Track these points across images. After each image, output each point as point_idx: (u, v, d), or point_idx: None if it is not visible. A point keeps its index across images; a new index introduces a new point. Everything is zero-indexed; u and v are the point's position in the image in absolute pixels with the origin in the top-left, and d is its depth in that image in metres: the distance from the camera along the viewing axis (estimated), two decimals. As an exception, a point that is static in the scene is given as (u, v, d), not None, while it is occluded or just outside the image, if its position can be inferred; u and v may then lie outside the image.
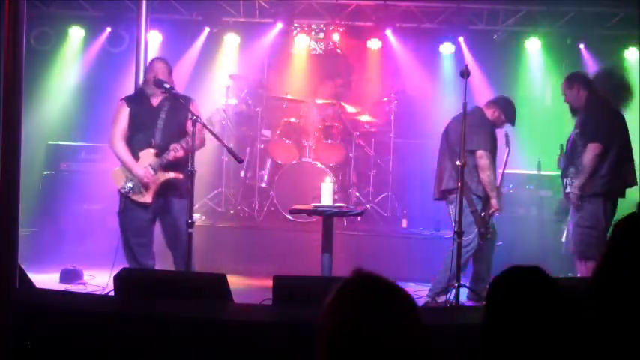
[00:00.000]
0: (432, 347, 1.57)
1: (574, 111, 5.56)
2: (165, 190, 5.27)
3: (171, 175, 5.24)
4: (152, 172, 5.22)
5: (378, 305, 1.53)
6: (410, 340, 1.52)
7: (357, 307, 1.53)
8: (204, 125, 5.09)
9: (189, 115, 4.99)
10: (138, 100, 5.41)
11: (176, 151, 5.15)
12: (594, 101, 5.45)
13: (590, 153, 5.27)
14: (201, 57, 8.86)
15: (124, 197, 5.29)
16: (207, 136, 5.25)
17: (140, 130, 5.31)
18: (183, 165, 5.17)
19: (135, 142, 5.30)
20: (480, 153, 5.57)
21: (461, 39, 8.64)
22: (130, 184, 5.25)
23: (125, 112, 5.34)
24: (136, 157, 5.26)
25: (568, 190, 5.45)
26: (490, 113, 5.82)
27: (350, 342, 1.50)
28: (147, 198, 5.26)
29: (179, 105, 5.20)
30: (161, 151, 5.24)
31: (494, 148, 5.74)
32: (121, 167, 5.34)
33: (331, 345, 1.52)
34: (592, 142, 5.29)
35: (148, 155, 5.25)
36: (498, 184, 5.75)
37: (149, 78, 5.32)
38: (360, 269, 1.62)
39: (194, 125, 4.93)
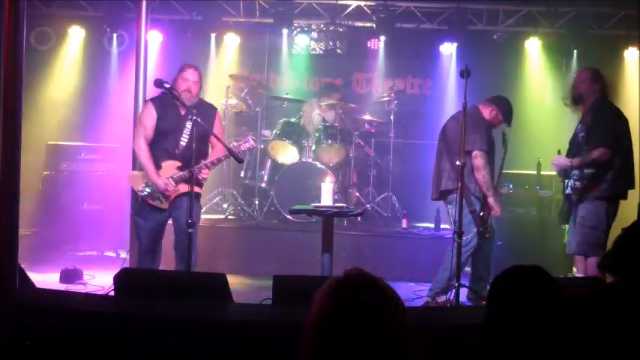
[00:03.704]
0: (432, 347, 1.57)
1: (577, 101, 5.48)
2: (181, 194, 5.22)
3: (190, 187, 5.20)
4: (173, 183, 5.17)
5: (352, 302, 1.55)
6: (386, 338, 1.53)
7: (334, 300, 1.57)
8: (208, 131, 5.09)
9: (213, 124, 5.02)
10: (165, 105, 5.26)
11: (200, 173, 5.09)
12: (604, 105, 5.41)
13: (597, 153, 5.24)
14: (201, 57, 8.87)
15: (140, 199, 5.26)
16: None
17: (165, 138, 5.23)
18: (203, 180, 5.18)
19: (158, 149, 5.24)
20: (475, 153, 5.56)
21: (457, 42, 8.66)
22: (148, 190, 5.20)
23: (152, 114, 5.24)
24: (158, 166, 5.21)
25: (569, 190, 5.44)
26: (487, 113, 5.81)
27: (323, 335, 1.53)
28: (164, 205, 5.24)
29: (205, 115, 5.13)
30: (184, 162, 5.15)
31: (491, 148, 5.73)
32: (139, 171, 5.31)
33: (309, 336, 1.54)
34: (599, 147, 5.25)
35: (170, 167, 5.20)
36: (496, 183, 5.74)
37: (161, 78, 5.19)
38: (354, 268, 1.63)
39: (194, 125, 4.93)
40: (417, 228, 7.92)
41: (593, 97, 5.39)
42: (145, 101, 5.43)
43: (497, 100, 5.92)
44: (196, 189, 5.14)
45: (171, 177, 5.18)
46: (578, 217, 5.37)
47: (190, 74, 5.28)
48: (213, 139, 5.17)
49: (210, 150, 5.36)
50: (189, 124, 5.13)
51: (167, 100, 5.25)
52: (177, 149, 5.22)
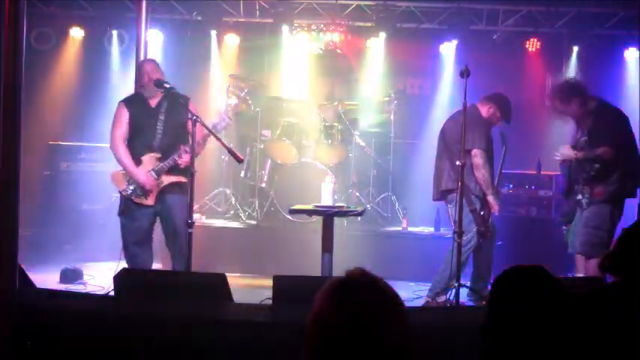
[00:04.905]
0: (432, 347, 1.57)
1: (579, 120, 5.45)
2: (167, 189, 5.26)
3: (173, 178, 5.22)
4: (155, 176, 5.19)
5: (353, 302, 1.55)
6: (387, 339, 1.53)
7: (334, 300, 1.56)
8: (204, 125, 5.09)
9: (189, 115, 4.95)
10: (136, 103, 5.38)
11: (180, 157, 5.12)
12: (602, 107, 5.40)
13: (601, 150, 5.23)
14: (201, 57, 8.87)
15: (125, 198, 5.27)
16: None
17: (140, 133, 5.28)
18: (186, 168, 5.16)
19: (136, 145, 5.27)
20: (474, 152, 5.56)
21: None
22: (132, 187, 5.22)
23: (125, 114, 5.30)
24: (138, 162, 5.22)
25: (580, 197, 5.40)
26: (485, 110, 5.81)
27: (323, 335, 1.53)
28: (149, 201, 5.24)
29: (177, 105, 5.18)
30: (163, 154, 5.21)
31: (489, 146, 5.73)
32: (122, 170, 5.32)
33: (309, 336, 1.54)
34: (603, 146, 5.23)
35: (150, 160, 5.22)
36: (495, 182, 5.73)
37: (145, 81, 5.29)
38: (356, 268, 1.63)
39: (194, 125, 4.92)
40: (417, 228, 7.91)
41: (583, 107, 5.36)
42: (118, 103, 5.45)
43: (495, 97, 5.91)
44: (180, 178, 5.18)
45: (153, 170, 5.21)
46: (582, 218, 5.36)
47: (147, 66, 5.43)
48: (189, 126, 5.08)
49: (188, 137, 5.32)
50: (162, 116, 5.26)
51: (137, 98, 5.42)
52: (154, 141, 5.25)
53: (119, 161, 5.29)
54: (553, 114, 5.61)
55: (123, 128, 5.28)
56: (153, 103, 5.32)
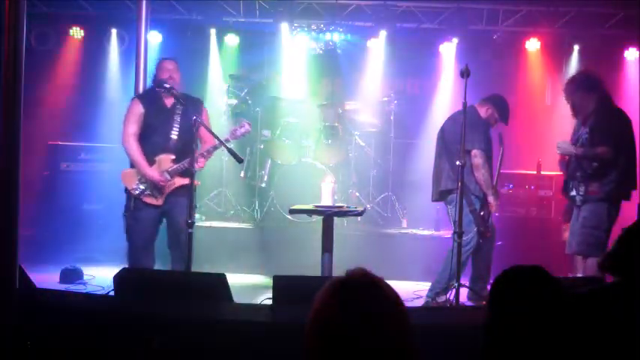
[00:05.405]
0: (432, 347, 1.56)
1: (583, 113, 5.46)
2: (176, 190, 5.24)
3: (186, 181, 5.16)
4: (168, 177, 5.18)
5: (353, 302, 1.55)
6: (387, 338, 1.53)
7: (334, 300, 1.56)
8: (204, 126, 5.09)
9: (201, 116, 4.96)
10: (151, 100, 5.32)
11: (196, 161, 5.05)
12: (606, 106, 5.39)
13: (600, 150, 5.22)
14: (201, 57, 8.87)
15: (134, 197, 5.23)
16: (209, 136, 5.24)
17: (155, 132, 5.24)
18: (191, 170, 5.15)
19: (150, 144, 5.24)
20: (474, 152, 5.56)
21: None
22: (142, 186, 5.20)
23: (139, 110, 5.25)
24: (152, 161, 5.21)
25: (573, 193, 5.41)
26: (483, 111, 5.81)
27: (324, 334, 1.53)
28: (159, 201, 5.23)
29: (191, 107, 5.16)
30: (178, 155, 5.19)
31: (489, 147, 5.73)
32: (133, 168, 5.29)
33: (310, 336, 1.54)
34: (603, 146, 5.23)
35: (165, 160, 5.21)
36: (494, 182, 5.74)
37: (164, 77, 5.24)
38: (357, 268, 1.63)
39: (194, 124, 4.92)
40: (417, 228, 7.91)
41: (594, 103, 5.36)
42: (131, 99, 5.42)
43: (493, 98, 5.92)
44: (188, 180, 5.14)
45: (167, 170, 5.19)
46: (580, 218, 5.36)
47: (169, 64, 5.35)
48: (201, 131, 5.13)
49: (199, 141, 5.31)
50: (177, 117, 5.22)
51: (152, 95, 5.35)
52: (169, 142, 5.23)
53: (131, 157, 5.26)
54: (572, 113, 5.51)
55: (136, 125, 5.23)
56: (168, 102, 5.28)
